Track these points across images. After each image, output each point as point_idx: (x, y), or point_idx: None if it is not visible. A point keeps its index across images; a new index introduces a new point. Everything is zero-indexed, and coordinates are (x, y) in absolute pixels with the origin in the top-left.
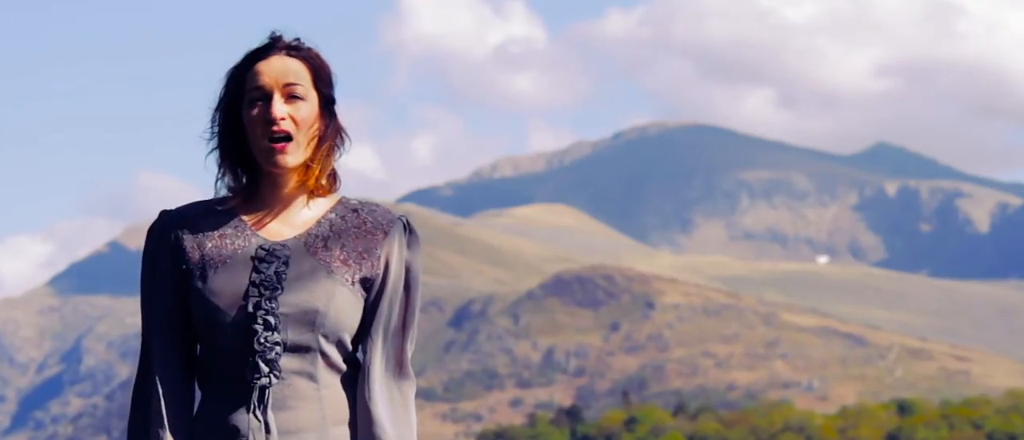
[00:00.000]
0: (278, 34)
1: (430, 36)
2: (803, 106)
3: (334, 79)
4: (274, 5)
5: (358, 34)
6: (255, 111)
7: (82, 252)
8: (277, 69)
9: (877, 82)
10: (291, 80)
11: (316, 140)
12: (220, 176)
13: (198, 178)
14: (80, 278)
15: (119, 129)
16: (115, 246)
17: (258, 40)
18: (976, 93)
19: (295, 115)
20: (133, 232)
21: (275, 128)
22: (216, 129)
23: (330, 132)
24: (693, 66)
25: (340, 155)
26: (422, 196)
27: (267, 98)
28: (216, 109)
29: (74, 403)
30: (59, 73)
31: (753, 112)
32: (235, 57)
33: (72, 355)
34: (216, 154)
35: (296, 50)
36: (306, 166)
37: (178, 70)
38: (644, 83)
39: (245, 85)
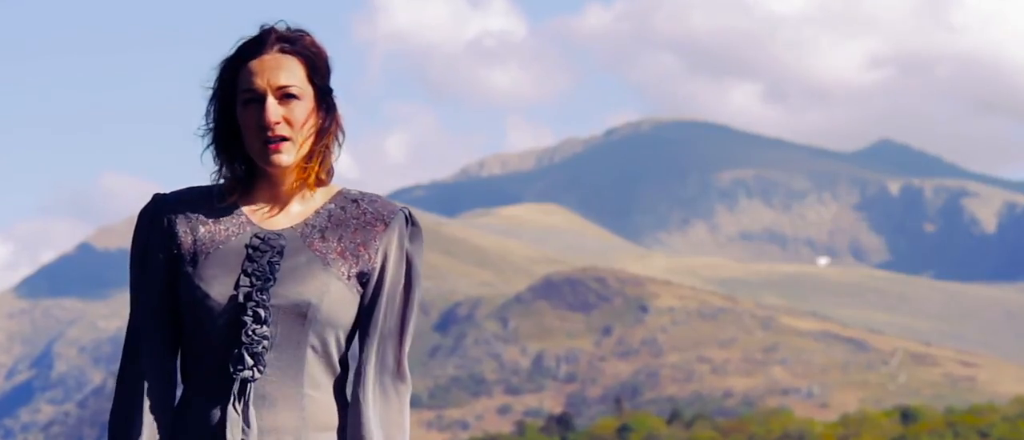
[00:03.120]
0: (269, 26)
1: (405, 31)
2: (794, 100)
3: (330, 66)
4: (244, 2)
5: (331, 32)
6: (249, 112)
7: (45, 253)
8: (270, 69)
9: (872, 77)
10: (284, 81)
11: (314, 136)
12: (217, 169)
13: (167, 179)
14: (49, 281)
15: (82, 128)
16: (85, 248)
17: (227, 38)
18: (975, 88)
19: (289, 116)
20: (104, 233)
21: (270, 133)
22: (211, 124)
23: (329, 124)
24: (678, 60)
25: (339, 149)
26: (406, 195)
27: (260, 100)
28: (210, 102)
29: (45, 410)
30: (20, 70)
31: (744, 107)
32: (204, 55)
33: (42, 361)
34: (212, 149)
35: (290, 43)
36: (303, 165)
37: (145, 68)
38: (628, 78)
39: (238, 82)
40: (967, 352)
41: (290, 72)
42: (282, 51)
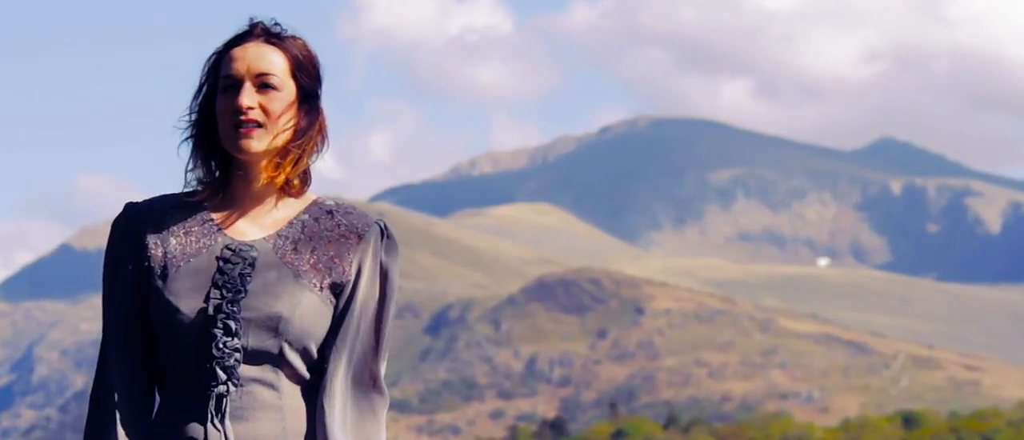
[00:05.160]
0: (258, 20)
1: (389, 29)
2: (787, 96)
3: (320, 72)
4: (226, 1)
5: (314, 31)
6: (226, 99)
7: (21, 255)
8: (251, 56)
9: (867, 72)
10: (264, 69)
11: (291, 133)
12: (191, 167)
13: (144, 180)
14: (30, 282)
15: (56, 129)
16: (66, 249)
17: (206, 37)
18: (973, 84)
19: (266, 105)
20: (86, 234)
21: (242, 118)
22: (192, 117)
23: (308, 126)
24: (667, 56)
25: (318, 156)
26: (396, 194)
27: (238, 86)
28: (194, 96)
29: (26, 415)
30: None
31: (736, 104)
32: (182, 55)
33: (23, 364)
34: (190, 144)
35: (276, 37)
36: (276, 162)
37: (122, 68)
38: (616, 75)
39: (219, 71)
40: (971, 355)
41: (271, 62)
42: (267, 42)
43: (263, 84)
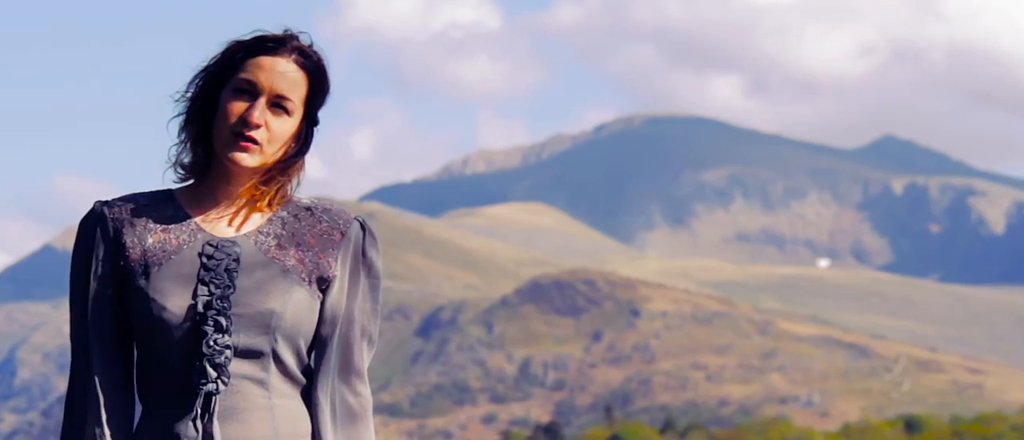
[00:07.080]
0: (293, 32)
1: (372, 26)
2: (781, 93)
3: (329, 93)
4: (205, 1)
5: (295, 27)
6: (234, 102)
7: (2, 256)
8: (278, 73)
9: (861, 68)
10: (284, 92)
11: (279, 159)
12: (179, 142)
13: (121, 181)
14: (13, 284)
15: (33, 128)
16: (48, 250)
17: (185, 37)
18: (972, 80)
19: (272, 127)
20: (69, 235)
21: (247, 132)
22: (190, 93)
23: (297, 154)
24: (656, 53)
25: (298, 183)
26: (388, 193)
27: (254, 95)
28: (200, 73)
29: (8, 420)
30: None
31: (729, 100)
32: (163, 53)
33: (5, 367)
34: (182, 119)
35: (306, 57)
36: (260, 188)
37: (97, 67)
38: (604, 71)
39: (238, 67)
40: (974, 358)
41: (294, 86)
42: (296, 62)
43: (277, 104)
